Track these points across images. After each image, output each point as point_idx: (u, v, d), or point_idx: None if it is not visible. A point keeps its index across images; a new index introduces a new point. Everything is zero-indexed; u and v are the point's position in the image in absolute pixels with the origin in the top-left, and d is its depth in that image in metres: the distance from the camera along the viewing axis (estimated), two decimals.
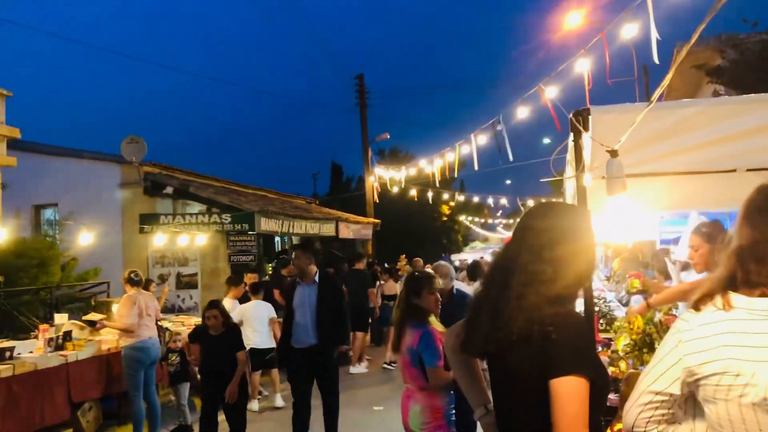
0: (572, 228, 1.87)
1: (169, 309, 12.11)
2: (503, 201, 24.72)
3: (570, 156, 3.57)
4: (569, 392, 1.69)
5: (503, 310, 1.85)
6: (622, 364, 3.10)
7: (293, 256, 6.66)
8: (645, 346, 3.03)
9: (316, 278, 6.39)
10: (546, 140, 37.84)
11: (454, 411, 3.65)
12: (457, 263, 25.36)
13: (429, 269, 17.04)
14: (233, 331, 6.38)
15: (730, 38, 13.95)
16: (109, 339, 7.52)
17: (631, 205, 2.66)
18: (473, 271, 11.09)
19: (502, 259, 2.02)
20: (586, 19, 17.11)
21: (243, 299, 9.10)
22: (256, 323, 8.57)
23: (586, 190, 2.70)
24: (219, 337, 6.24)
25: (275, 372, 8.84)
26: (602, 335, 4.73)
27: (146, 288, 9.74)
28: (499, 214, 41.28)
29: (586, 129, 2.65)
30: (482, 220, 41.02)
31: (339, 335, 6.47)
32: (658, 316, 3.66)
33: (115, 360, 7.37)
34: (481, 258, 25.68)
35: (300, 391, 6.30)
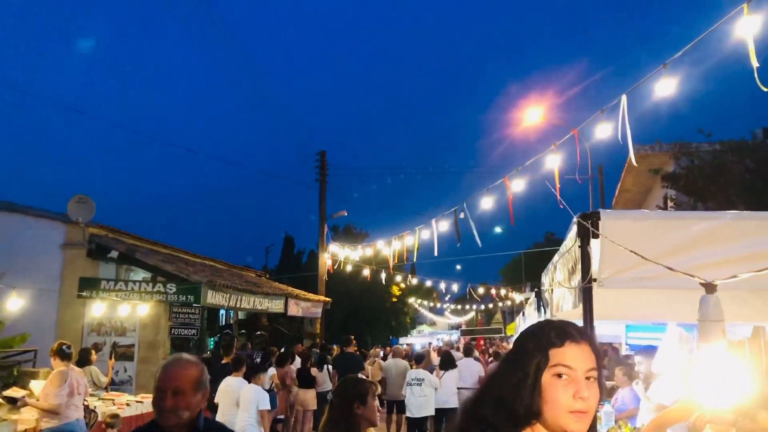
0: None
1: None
2: (454, 287, 24.67)
3: (559, 258, 3.34)
4: None
5: None
6: None
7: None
8: None
9: None
10: (498, 229, 38.48)
11: None
12: (404, 346, 24.88)
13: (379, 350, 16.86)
14: None
15: (683, 146, 14.46)
16: (27, 418, 6.78)
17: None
18: (446, 360, 11.67)
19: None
20: (545, 116, 17.65)
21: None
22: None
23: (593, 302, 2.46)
24: None
25: None
26: None
27: (86, 358, 9.02)
28: (447, 299, 41.18)
29: (595, 235, 2.43)
30: (431, 304, 40.81)
31: None
32: None
33: None
34: (429, 344, 25.33)
35: None
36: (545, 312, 4.90)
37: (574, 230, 2.65)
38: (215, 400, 8.66)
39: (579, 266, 2.54)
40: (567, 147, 7.37)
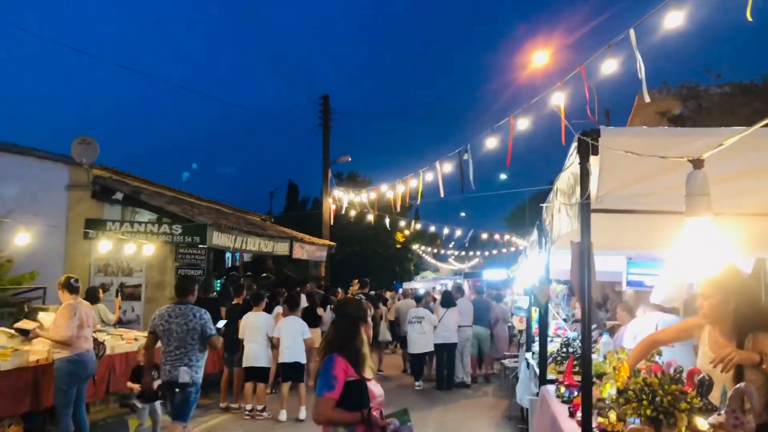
0: None
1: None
2: (458, 232, 24.75)
3: (562, 183, 3.35)
4: None
5: None
6: (612, 415, 2.84)
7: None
8: (645, 397, 2.74)
9: None
10: (503, 176, 38.31)
11: None
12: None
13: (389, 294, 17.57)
14: None
15: (691, 89, 14.27)
16: (39, 350, 6.95)
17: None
18: (447, 299, 11.99)
19: None
20: (552, 58, 17.34)
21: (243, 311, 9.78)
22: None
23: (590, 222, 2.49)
24: None
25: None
26: (577, 378, 4.49)
27: (95, 296, 9.17)
28: (451, 246, 41.34)
29: (595, 150, 2.44)
30: (434, 251, 41.01)
31: None
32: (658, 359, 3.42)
33: (44, 373, 6.82)
34: (433, 289, 25.61)
35: None
36: (545, 245, 4.95)
37: (574, 147, 2.66)
38: (239, 336, 9.34)
39: (578, 184, 2.56)
40: (573, 87, 7.27)
